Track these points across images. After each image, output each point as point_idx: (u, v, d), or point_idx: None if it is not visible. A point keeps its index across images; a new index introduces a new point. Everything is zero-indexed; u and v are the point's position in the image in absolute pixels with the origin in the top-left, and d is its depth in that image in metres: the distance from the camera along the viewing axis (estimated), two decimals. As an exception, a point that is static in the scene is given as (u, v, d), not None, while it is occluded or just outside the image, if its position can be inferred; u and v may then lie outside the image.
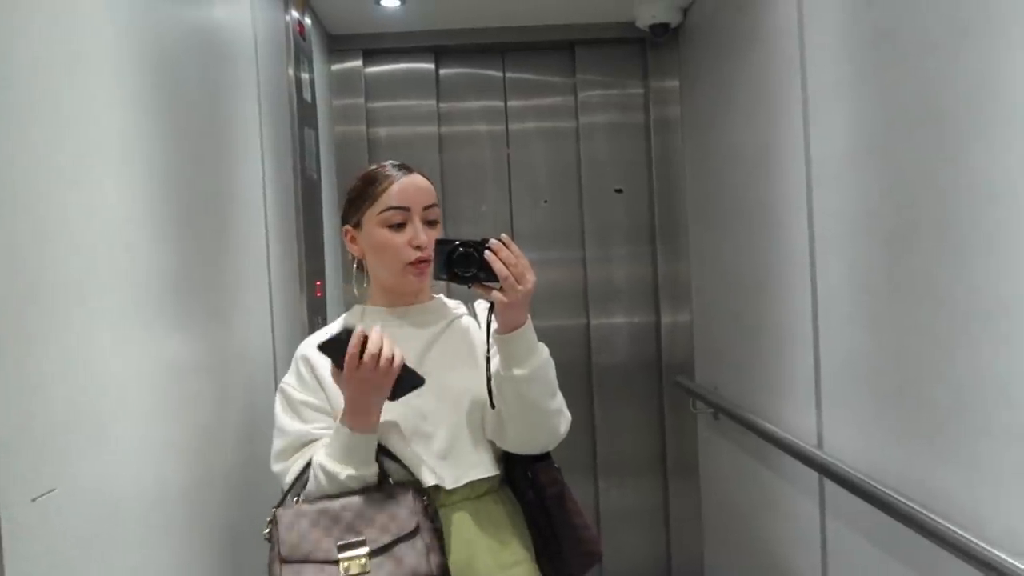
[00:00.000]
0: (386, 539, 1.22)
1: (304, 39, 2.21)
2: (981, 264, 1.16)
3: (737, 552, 2.46)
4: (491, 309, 1.25)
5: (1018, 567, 1.08)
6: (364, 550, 1.20)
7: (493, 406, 1.30)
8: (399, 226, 1.35)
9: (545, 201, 2.86)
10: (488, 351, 1.30)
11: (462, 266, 1.22)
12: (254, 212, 1.70)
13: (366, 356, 1.17)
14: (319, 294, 2.27)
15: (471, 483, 1.33)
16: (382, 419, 1.27)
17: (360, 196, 1.38)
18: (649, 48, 2.76)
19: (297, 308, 2.07)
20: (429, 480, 1.30)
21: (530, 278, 1.21)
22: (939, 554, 1.23)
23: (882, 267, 1.44)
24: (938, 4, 1.24)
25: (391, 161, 1.41)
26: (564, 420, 1.34)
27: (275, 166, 1.90)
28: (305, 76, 2.21)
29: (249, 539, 1.49)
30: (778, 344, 1.98)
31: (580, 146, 2.82)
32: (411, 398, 1.28)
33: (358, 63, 2.76)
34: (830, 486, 1.68)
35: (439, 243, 1.26)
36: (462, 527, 1.32)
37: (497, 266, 1.19)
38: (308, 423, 1.32)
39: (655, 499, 2.87)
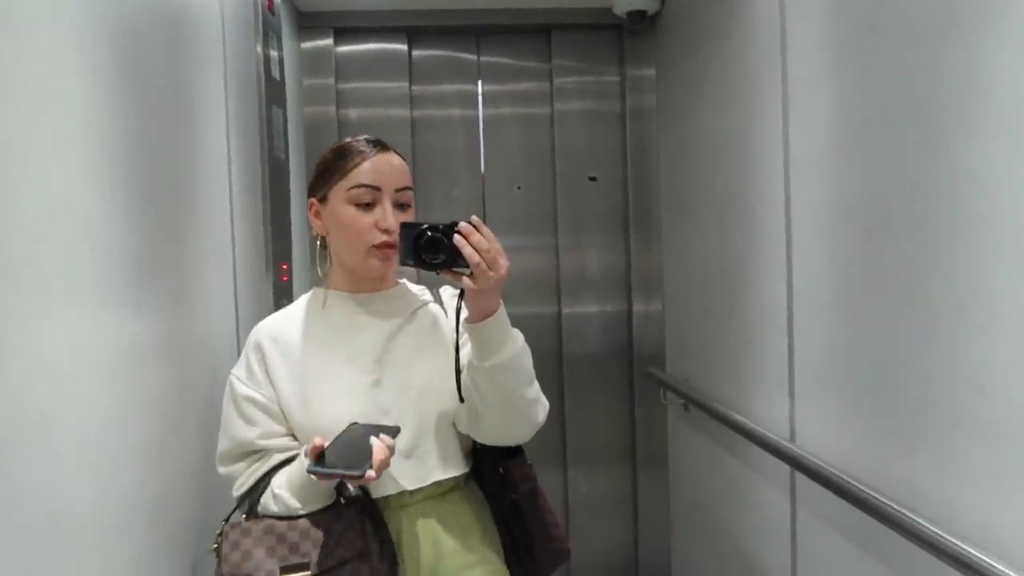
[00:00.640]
0: (331, 563, 1.17)
1: (273, 14, 2.14)
2: (959, 257, 1.15)
3: (705, 544, 2.46)
4: (461, 295, 1.18)
5: (986, 561, 1.08)
6: (307, 573, 1.16)
7: (462, 400, 1.24)
8: (367, 206, 1.27)
9: (519, 187, 2.82)
10: (457, 340, 1.23)
11: (430, 252, 1.14)
12: (218, 192, 1.64)
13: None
14: (285, 278, 2.21)
15: (436, 482, 1.29)
16: (339, 415, 1.22)
17: (329, 169, 1.31)
18: (626, 35, 2.73)
19: (262, 291, 2.01)
20: (389, 488, 1.25)
21: (503, 263, 1.13)
22: (909, 548, 1.23)
23: (859, 259, 1.43)
24: (923, -6, 1.22)
25: (366, 136, 1.33)
26: (542, 409, 1.27)
27: (241, 145, 1.84)
28: (274, 53, 2.14)
29: (209, 533, 1.44)
30: (751, 336, 1.96)
31: (555, 132, 2.78)
32: (372, 392, 1.24)
33: (328, 42, 2.69)
34: (801, 479, 1.68)
35: (405, 227, 1.17)
36: (426, 528, 1.28)
37: (467, 251, 1.11)
38: (253, 427, 1.26)
39: (624, 490, 2.87)
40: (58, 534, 0.88)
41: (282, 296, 2.15)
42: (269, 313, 1.99)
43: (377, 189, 1.27)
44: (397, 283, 1.41)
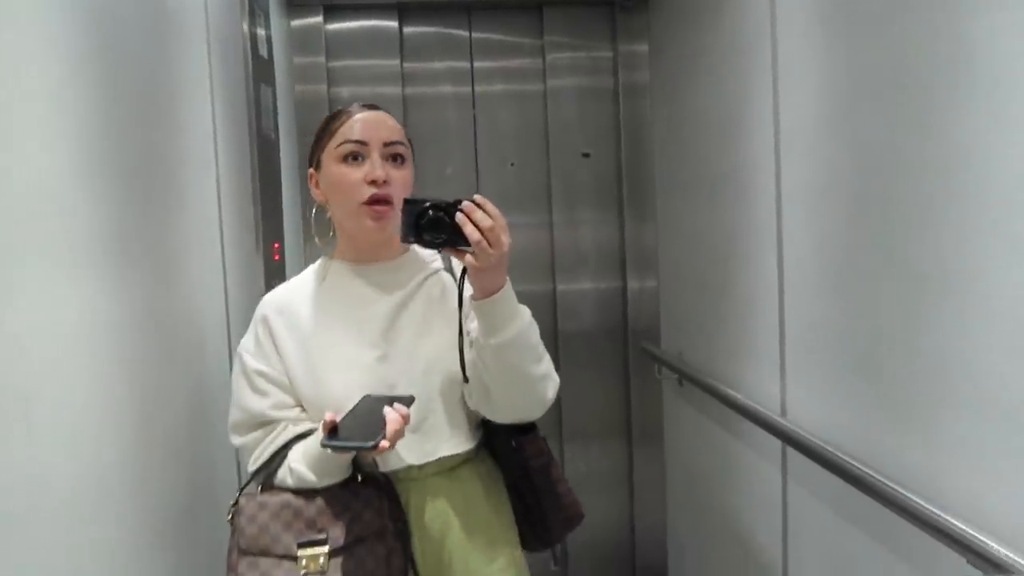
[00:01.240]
0: (348, 540, 1.16)
1: (260, -8, 2.12)
2: (947, 234, 1.15)
3: (700, 518, 2.47)
4: (463, 273, 1.15)
5: (969, 532, 1.08)
6: (324, 549, 1.16)
7: (467, 379, 1.23)
8: (356, 159, 1.25)
9: (512, 164, 2.80)
10: (460, 319, 1.21)
11: (431, 230, 1.11)
12: (204, 171, 1.63)
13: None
14: (277, 257, 2.21)
15: (443, 457, 1.28)
16: (346, 390, 1.21)
17: (320, 133, 1.31)
18: (618, 11, 2.70)
19: (253, 270, 2.01)
20: (396, 463, 1.24)
21: (505, 241, 1.10)
22: (897, 522, 1.24)
23: (848, 235, 1.42)
24: (912, -36, 1.20)
25: (360, 102, 1.33)
26: (552, 385, 1.25)
27: (228, 124, 1.82)
28: (261, 32, 2.12)
29: (199, 512, 1.45)
30: (743, 312, 1.96)
31: (548, 109, 2.76)
32: (378, 367, 1.24)
33: (318, 19, 2.66)
34: (792, 454, 1.68)
35: (407, 203, 1.14)
36: (435, 503, 1.27)
37: (468, 229, 1.08)
38: (264, 397, 1.26)
39: (620, 465, 2.88)
40: (37, 511, 0.88)
41: (274, 275, 2.15)
42: (261, 291, 2.00)
43: (364, 143, 1.25)
44: (406, 250, 1.37)
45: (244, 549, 1.17)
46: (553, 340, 2.79)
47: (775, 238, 1.73)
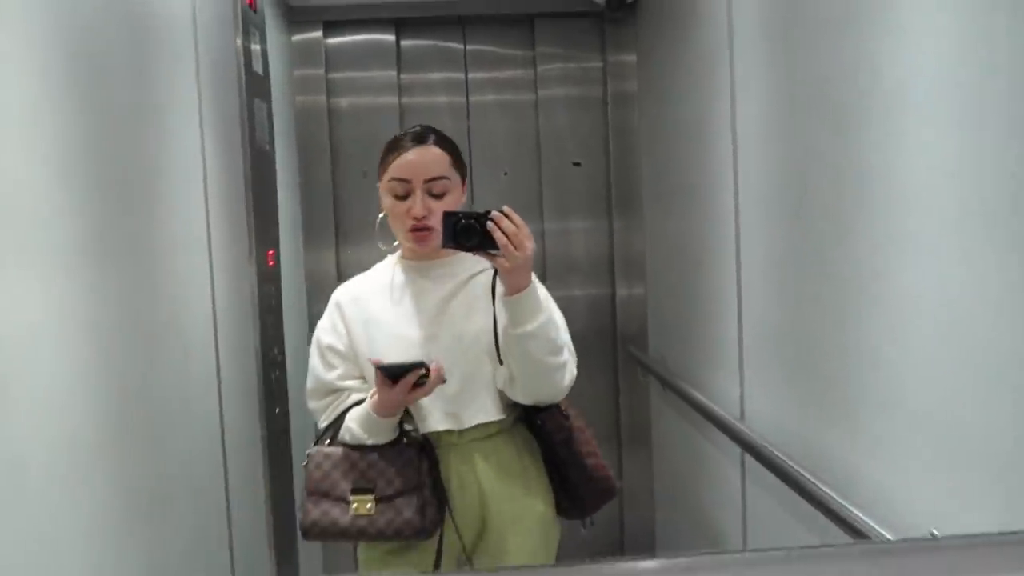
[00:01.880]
0: (390, 491, 1.41)
1: (255, 11, 2.23)
2: (863, 240, 1.21)
3: (684, 519, 2.53)
4: (495, 275, 1.37)
5: (877, 531, 1.14)
6: (371, 496, 1.41)
7: (501, 362, 1.42)
8: (402, 196, 1.46)
9: (505, 173, 2.89)
10: (494, 312, 1.41)
11: (465, 237, 1.33)
12: (190, 182, 1.74)
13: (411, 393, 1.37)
14: (271, 263, 2.31)
15: (479, 425, 1.47)
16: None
17: (381, 158, 1.53)
18: (607, 22, 2.78)
19: (245, 277, 2.12)
20: (440, 424, 1.46)
21: (529, 245, 1.32)
22: (820, 517, 1.29)
23: (787, 242, 1.49)
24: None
25: (417, 127, 1.53)
26: (567, 375, 1.46)
27: (219, 138, 1.93)
28: (256, 47, 2.23)
29: (177, 498, 1.55)
30: (711, 317, 2.02)
31: (539, 119, 2.84)
32: (427, 345, 1.47)
33: (318, 34, 2.78)
34: (749, 457, 1.74)
35: (447, 215, 1.36)
36: (471, 465, 1.48)
37: (497, 235, 1.30)
38: (332, 370, 1.50)
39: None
40: (14, 490, 0.99)
41: (268, 280, 2.26)
42: (253, 296, 2.11)
43: (407, 182, 1.46)
44: (456, 252, 1.56)
45: (311, 490, 1.45)
46: (544, 344, 2.86)
47: (734, 245, 1.79)
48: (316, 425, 1.57)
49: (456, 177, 1.52)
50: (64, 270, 1.15)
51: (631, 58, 2.77)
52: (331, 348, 1.52)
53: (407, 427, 1.46)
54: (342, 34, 2.82)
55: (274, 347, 2.27)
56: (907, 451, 1.13)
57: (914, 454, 1.11)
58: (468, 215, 1.34)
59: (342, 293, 1.57)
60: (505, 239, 1.30)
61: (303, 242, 2.85)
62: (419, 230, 1.47)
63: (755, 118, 1.63)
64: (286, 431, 2.28)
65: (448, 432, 1.47)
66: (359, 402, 1.47)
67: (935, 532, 1.01)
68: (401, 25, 2.83)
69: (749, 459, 1.78)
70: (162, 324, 1.54)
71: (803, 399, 1.45)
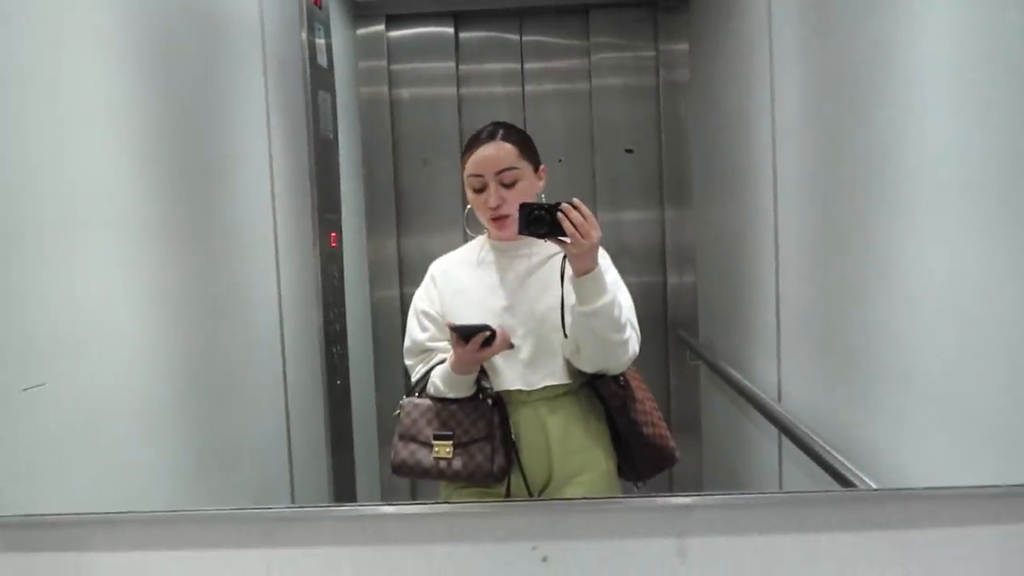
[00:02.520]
0: (466, 439, 1.62)
1: (320, 8, 2.36)
2: (882, 223, 1.24)
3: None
4: (564, 258, 1.54)
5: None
6: (450, 442, 1.62)
7: (566, 335, 1.59)
8: (479, 189, 1.63)
9: (560, 160, 2.95)
10: (562, 291, 1.58)
11: (538, 226, 1.48)
12: (257, 169, 1.88)
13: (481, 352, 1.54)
14: (334, 244, 2.45)
15: (547, 387, 1.64)
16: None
17: (462, 153, 1.69)
18: (660, 11, 2.81)
19: (309, 257, 2.26)
20: (513, 384, 1.64)
21: (595, 234, 1.47)
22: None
23: (818, 227, 1.52)
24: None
25: (489, 125, 1.69)
26: (628, 351, 1.61)
27: (285, 128, 2.07)
28: (320, 42, 2.36)
29: (243, 452, 1.71)
30: (754, 303, 2.06)
31: (593, 107, 2.90)
32: (504, 315, 1.64)
33: (381, 27, 2.90)
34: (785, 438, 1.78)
35: (522, 206, 1.52)
36: (538, 422, 1.65)
37: (565, 224, 1.46)
38: (424, 332, 1.70)
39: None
40: (96, 420, 1.13)
41: (331, 261, 2.40)
42: (316, 276, 2.26)
43: (481, 176, 1.62)
44: None
45: (401, 434, 1.67)
46: (596, 327, 2.92)
47: (772, 231, 1.82)
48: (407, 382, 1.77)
49: (526, 166, 1.67)
50: (140, 245, 1.30)
51: (683, 47, 2.79)
52: (425, 313, 1.71)
53: (484, 384, 1.65)
54: (404, 27, 2.93)
55: (336, 323, 2.41)
56: (920, 423, 1.17)
57: (925, 425, 1.15)
58: (540, 206, 1.50)
59: (436, 266, 1.77)
60: (573, 228, 1.45)
61: (366, 229, 2.99)
62: (497, 218, 1.63)
63: (791, 105, 1.67)
64: (347, 400, 2.43)
65: (519, 391, 1.64)
66: (442, 360, 1.67)
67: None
68: (460, 18, 2.92)
69: (785, 440, 1.83)
70: (229, 292, 1.69)
71: (831, 380, 1.49)
